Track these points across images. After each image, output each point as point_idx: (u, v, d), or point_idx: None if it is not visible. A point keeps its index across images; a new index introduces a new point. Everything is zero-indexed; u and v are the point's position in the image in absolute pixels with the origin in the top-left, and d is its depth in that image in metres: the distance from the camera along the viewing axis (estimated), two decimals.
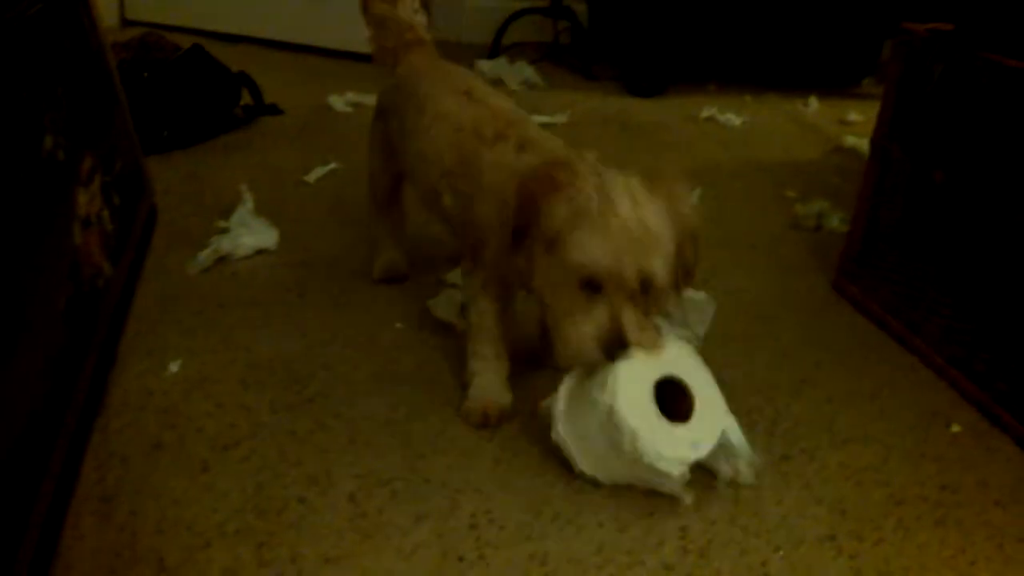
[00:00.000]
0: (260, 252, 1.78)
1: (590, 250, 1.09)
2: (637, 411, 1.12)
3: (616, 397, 1.11)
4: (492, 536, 1.12)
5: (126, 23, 3.42)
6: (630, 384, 1.12)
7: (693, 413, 1.16)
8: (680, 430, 1.14)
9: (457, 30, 3.47)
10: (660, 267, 1.11)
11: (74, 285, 1.26)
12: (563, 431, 1.19)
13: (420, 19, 1.61)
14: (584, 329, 1.11)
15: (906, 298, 1.61)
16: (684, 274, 1.17)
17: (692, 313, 1.56)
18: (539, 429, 1.29)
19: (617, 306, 1.11)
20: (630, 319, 1.11)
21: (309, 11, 3.20)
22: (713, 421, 1.17)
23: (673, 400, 1.16)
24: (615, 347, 1.11)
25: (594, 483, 1.20)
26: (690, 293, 1.62)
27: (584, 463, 1.19)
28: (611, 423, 1.11)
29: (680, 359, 1.18)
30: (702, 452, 1.15)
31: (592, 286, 1.11)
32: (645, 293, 1.12)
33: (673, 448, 1.12)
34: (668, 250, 1.12)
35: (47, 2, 1.42)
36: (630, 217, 1.09)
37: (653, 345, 1.14)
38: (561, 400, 1.19)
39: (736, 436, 1.19)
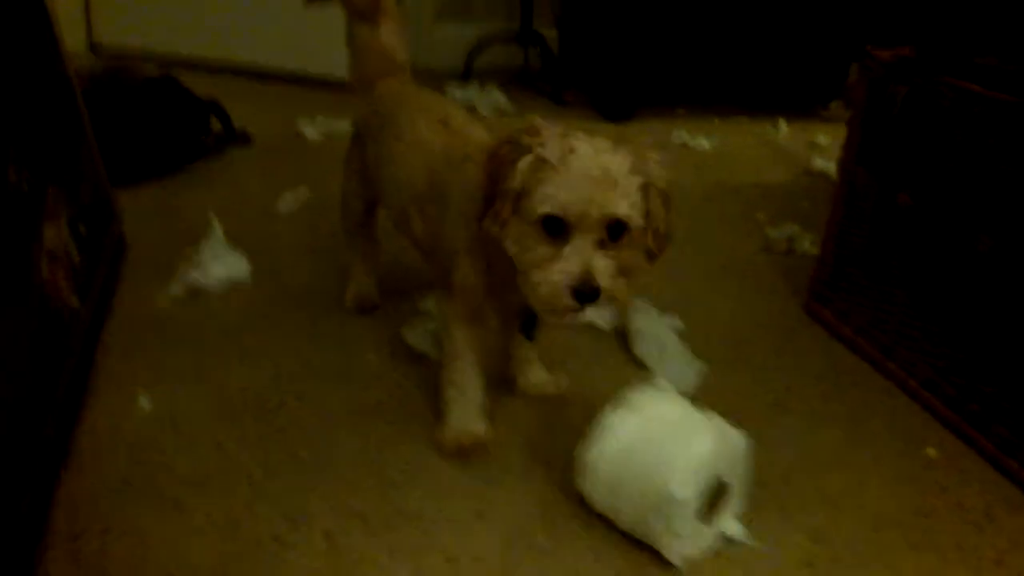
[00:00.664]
0: (231, 283, 1.76)
1: (551, 192, 1.09)
2: (690, 506, 1.11)
3: (678, 484, 1.09)
4: (468, 568, 1.11)
5: (94, 49, 3.39)
6: (697, 479, 1.10)
7: (722, 506, 1.17)
8: (707, 530, 1.15)
9: (427, 56, 3.47)
10: (624, 208, 1.10)
11: (41, 320, 1.24)
12: (598, 480, 1.17)
13: (400, 48, 1.61)
14: (553, 277, 1.10)
15: (877, 321, 1.62)
16: (656, 236, 1.16)
17: (680, 367, 1.55)
18: (515, 458, 1.29)
19: (585, 251, 1.10)
20: (600, 264, 1.10)
21: (279, 35, 3.19)
22: (728, 516, 1.19)
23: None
24: (585, 292, 1.09)
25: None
26: (679, 348, 1.61)
27: (600, 502, 1.18)
28: (662, 501, 1.09)
29: (738, 454, 1.18)
30: (705, 543, 1.16)
31: (557, 230, 1.10)
32: (616, 241, 1.12)
33: (695, 542, 1.14)
34: (632, 195, 1.11)
35: (10, 32, 1.40)
36: (592, 163, 1.10)
37: (623, 296, 1.12)
38: (605, 452, 1.16)
39: (737, 529, 1.19)
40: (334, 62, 2.96)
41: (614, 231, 1.11)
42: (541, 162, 1.11)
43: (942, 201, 1.46)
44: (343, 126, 2.66)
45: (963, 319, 1.44)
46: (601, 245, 1.11)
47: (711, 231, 2.18)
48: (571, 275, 1.09)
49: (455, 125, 1.40)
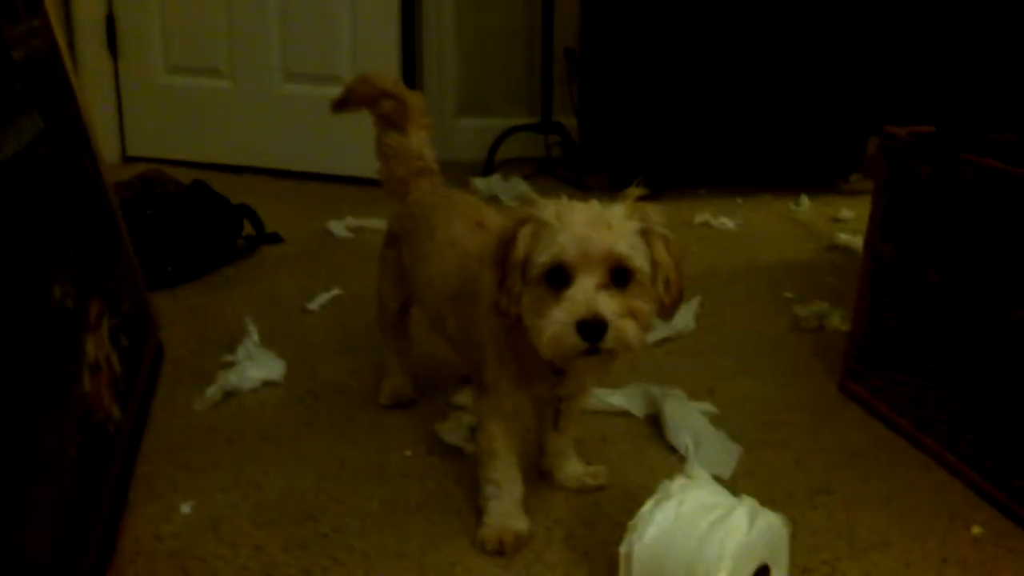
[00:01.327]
0: (267, 384, 1.78)
1: (548, 243, 1.12)
2: None
3: (726, 573, 1.07)
4: None
5: (127, 159, 3.49)
6: (739, 563, 1.09)
7: None
8: None
9: (450, 150, 3.54)
10: (623, 246, 1.12)
11: (84, 433, 1.27)
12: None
13: (429, 151, 1.65)
14: (557, 316, 1.10)
15: (914, 397, 1.61)
16: (667, 286, 1.17)
17: (717, 452, 1.55)
18: (557, 554, 1.29)
19: (588, 289, 1.10)
20: (604, 301, 1.09)
21: (306, 139, 3.28)
22: None
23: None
24: (591, 324, 1.08)
25: None
26: (713, 433, 1.60)
27: None
28: None
29: (778, 538, 1.16)
30: None
31: (561, 281, 1.11)
32: (622, 286, 1.12)
33: None
34: (630, 236, 1.13)
35: (52, 152, 1.46)
36: (586, 214, 1.14)
37: (636, 338, 1.11)
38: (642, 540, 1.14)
39: None
40: (361, 162, 3.05)
41: (619, 277, 1.12)
42: (539, 226, 1.15)
43: (971, 276, 1.47)
44: (371, 223, 2.72)
45: (1001, 392, 1.43)
46: (606, 286, 1.11)
47: (739, 311, 2.19)
48: (574, 312, 1.09)
49: (490, 225, 1.44)
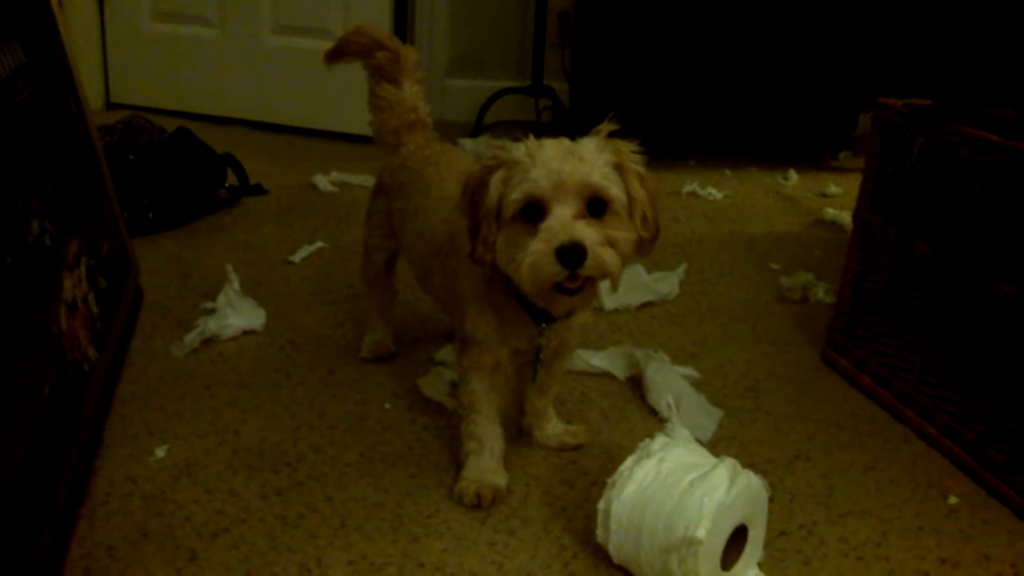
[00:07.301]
0: (247, 333, 1.76)
1: (523, 179, 1.11)
2: (712, 550, 1.09)
3: (705, 530, 1.07)
4: None
5: (111, 106, 3.44)
6: (719, 521, 1.08)
7: (743, 555, 1.15)
8: None
9: (439, 109, 3.51)
10: (596, 177, 1.11)
11: (59, 371, 1.25)
12: (614, 525, 1.14)
13: (423, 104, 1.62)
14: (535, 247, 1.09)
15: (896, 369, 1.61)
16: (644, 222, 1.17)
17: (698, 415, 1.54)
18: (534, 509, 1.28)
19: (564, 218, 1.10)
20: (582, 229, 1.09)
21: (293, 93, 3.24)
22: (750, 565, 1.18)
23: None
24: (569, 250, 1.08)
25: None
26: (695, 396, 1.60)
27: (619, 550, 1.16)
28: (683, 544, 1.07)
29: (757, 498, 1.16)
30: None
31: (536, 215, 1.11)
32: (598, 216, 1.12)
33: None
34: (603, 167, 1.13)
35: (35, 88, 1.43)
36: (558, 149, 1.13)
37: (614, 266, 1.11)
38: (622, 495, 1.14)
39: None
40: (348, 118, 3.02)
41: (595, 207, 1.12)
42: (511, 168, 1.13)
43: (961, 249, 1.46)
44: (357, 179, 2.69)
45: (983, 366, 1.43)
46: (582, 216, 1.11)
47: (724, 280, 2.18)
48: (552, 240, 1.09)
49: None
